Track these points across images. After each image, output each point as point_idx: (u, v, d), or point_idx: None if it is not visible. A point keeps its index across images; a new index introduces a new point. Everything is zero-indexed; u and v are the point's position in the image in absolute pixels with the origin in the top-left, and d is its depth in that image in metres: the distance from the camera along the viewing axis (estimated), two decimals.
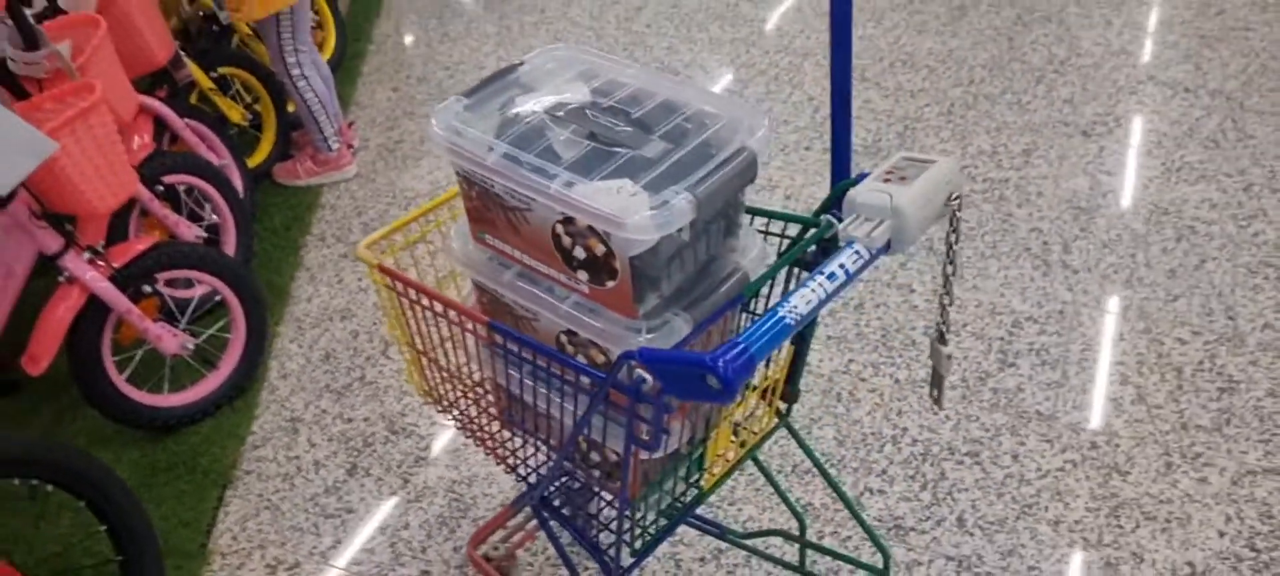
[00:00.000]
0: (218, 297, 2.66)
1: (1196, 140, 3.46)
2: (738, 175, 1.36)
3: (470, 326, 1.54)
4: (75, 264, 2.25)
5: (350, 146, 3.66)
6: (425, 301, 1.58)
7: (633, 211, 1.25)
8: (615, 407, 1.42)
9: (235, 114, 3.39)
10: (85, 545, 2.29)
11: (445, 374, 1.72)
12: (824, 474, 1.77)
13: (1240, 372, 2.49)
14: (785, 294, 1.23)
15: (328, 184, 3.56)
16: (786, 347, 1.68)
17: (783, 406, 1.75)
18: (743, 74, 4.10)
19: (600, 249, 1.32)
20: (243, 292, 2.59)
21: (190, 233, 2.76)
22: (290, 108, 3.82)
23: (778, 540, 2.16)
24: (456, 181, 1.50)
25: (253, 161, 3.49)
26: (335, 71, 4.27)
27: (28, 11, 2.44)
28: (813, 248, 1.51)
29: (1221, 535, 2.10)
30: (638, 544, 1.59)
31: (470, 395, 1.76)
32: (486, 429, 1.77)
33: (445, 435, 2.49)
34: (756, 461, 1.82)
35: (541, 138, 1.40)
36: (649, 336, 1.36)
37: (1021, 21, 4.37)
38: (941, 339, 1.46)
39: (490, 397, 1.75)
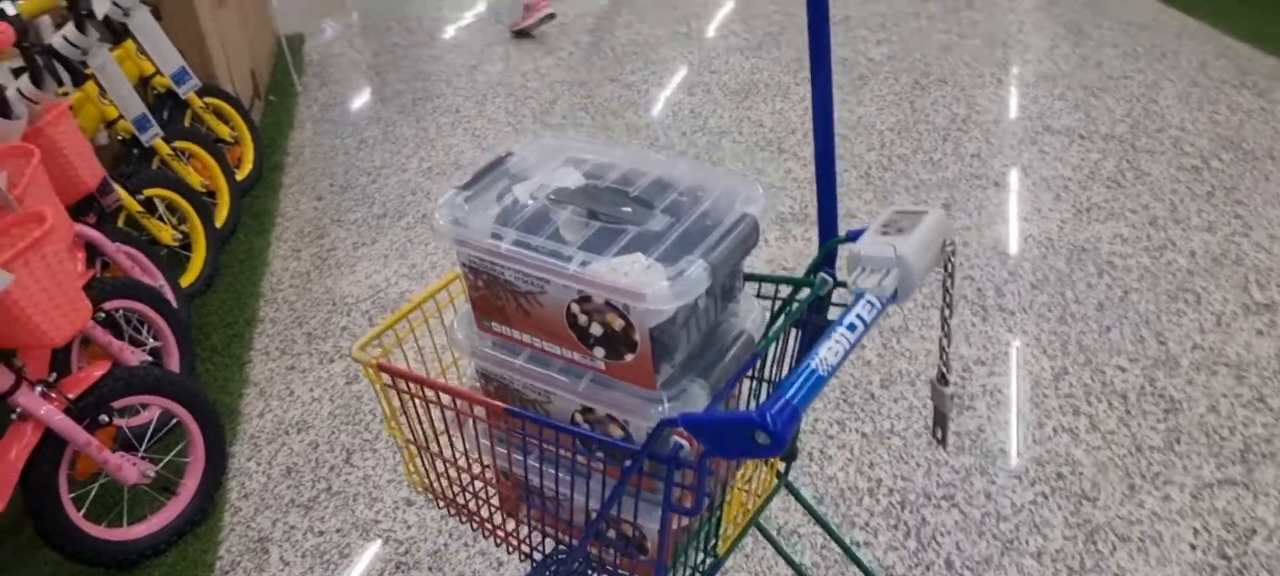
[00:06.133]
0: (174, 420, 2.57)
1: (1099, 182, 3.68)
2: (743, 241, 1.41)
3: (482, 414, 1.55)
4: (29, 399, 2.17)
5: None
6: (430, 394, 1.57)
7: (651, 282, 1.29)
8: (644, 487, 1.44)
9: (165, 235, 3.32)
10: None
11: (449, 468, 1.71)
12: (824, 525, 1.81)
13: (1180, 393, 2.63)
14: (803, 353, 1.27)
15: None
16: None
17: (782, 466, 1.79)
18: (664, 156, 4.20)
19: (619, 323, 1.35)
20: (200, 413, 2.52)
21: (134, 358, 2.68)
22: (218, 223, 3.76)
23: None
24: (460, 272, 1.51)
25: (185, 281, 3.41)
26: (254, 186, 4.23)
27: None
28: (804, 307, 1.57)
29: (1192, 548, 2.20)
30: None
31: (475, 486, 1.75)
32: (493, 519, 1.76)
33: (425, 538, 2.44)
34: (758, 525, 1.85)
35: (547, 221, 1.43)
36: (670, 404, 1.39)
37: (919, 86, 4.60)
38: (943, 380, 1.52)
39: (496, 487, 1.74)
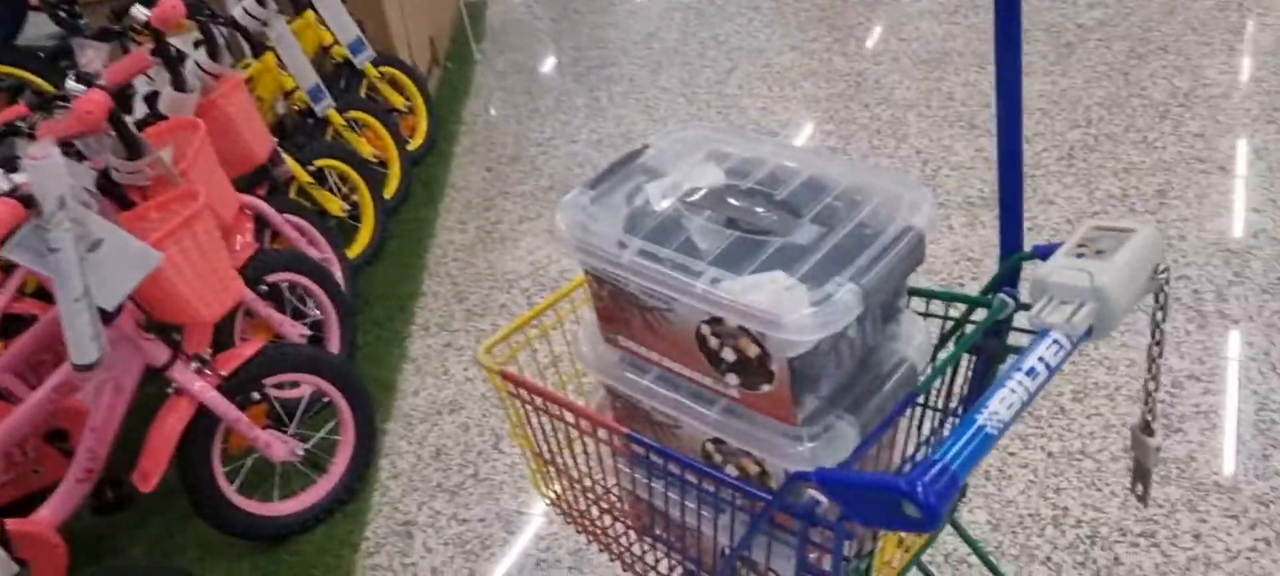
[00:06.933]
0: (325, 398, 2.57)
1: None
2: (905, 259, 1.21)
3: (605, 436, 1.41)
4: (183, 375, 2.19)
5: None
6: (554, 409, 1.45)
7: (791, 308, 1.11)
8: (780, 526, 1.27)
9: (334, 206, 3.35)
10: None
11: (575, 483, 1.59)
12: (992, 568, 1.58)
13: None
14: (978, 382, 1.06)
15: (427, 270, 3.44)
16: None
17: None
18: (844, 130, 3.95)
19: (753, 350, 1.18)
20: (350, 393, 2.51)
21: (295, 332, 2.70)
22: (388, 194, 3.79)
23: None
24: (586, 279, 1.38)
25: (352, 252, 3.45)
26: (427, 155, 4.24)
27: (129, 119, 2.42)
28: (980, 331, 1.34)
29: None
30: None
31: (602, 504, 1.62)
32: (620, 541, 1.63)
33: (567, 535, 2.35)
34: (920, 566, 1.64)
35: (678, 229, 1.27)
36: (811, 445, 1.21)
37: (1135, 54, 4.14)
38: (1146, 429, 1.27)
39: (624, 507, 1.61)
